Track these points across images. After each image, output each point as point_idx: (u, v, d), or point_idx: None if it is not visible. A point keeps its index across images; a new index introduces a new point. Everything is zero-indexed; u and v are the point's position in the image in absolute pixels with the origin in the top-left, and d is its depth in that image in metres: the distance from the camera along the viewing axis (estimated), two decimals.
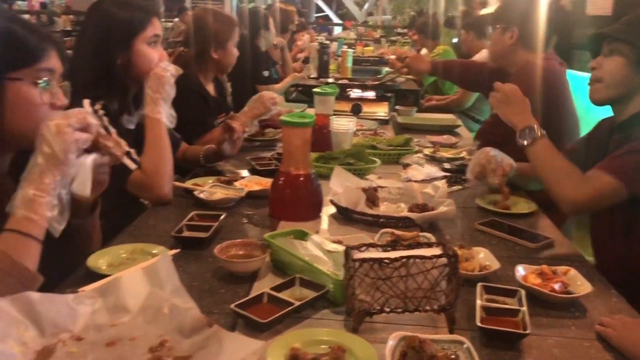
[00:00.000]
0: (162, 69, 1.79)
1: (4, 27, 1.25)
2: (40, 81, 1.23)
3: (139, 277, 1.12)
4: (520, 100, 1.81)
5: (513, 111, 1.81)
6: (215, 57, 2.60)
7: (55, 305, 1.02)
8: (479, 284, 1.22)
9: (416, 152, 2.49)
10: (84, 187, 1.18)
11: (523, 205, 1.85)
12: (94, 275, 1.26)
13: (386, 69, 5.40)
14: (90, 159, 1.20)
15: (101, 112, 1.80)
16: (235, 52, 2.67)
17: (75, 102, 1.35)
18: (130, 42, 1.85)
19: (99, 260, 1.33)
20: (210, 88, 2.73)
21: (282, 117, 1.67)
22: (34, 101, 1.24)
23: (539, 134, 1.71)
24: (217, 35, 2.60)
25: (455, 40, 5.40)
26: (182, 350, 0.98)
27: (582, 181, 1.59)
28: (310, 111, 2.60)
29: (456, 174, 2.18)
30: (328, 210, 1.76)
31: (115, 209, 1.74)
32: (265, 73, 4.19)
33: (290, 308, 1.13)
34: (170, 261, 1.14)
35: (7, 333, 0.93)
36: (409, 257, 1.07)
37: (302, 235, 1.40)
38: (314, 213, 1.72)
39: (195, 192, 1.81)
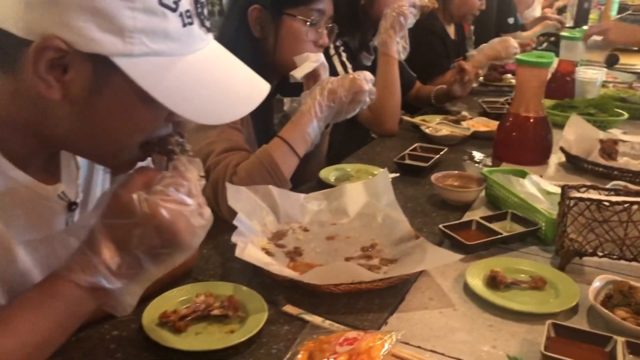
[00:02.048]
0: (401, 2, 1.82)
1: None
2: (309, 20, 1.41)
3: (359, 189, 1.25)
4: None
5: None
6: None
7: (290, 200, 1.21)
8: None
9: None
10: (300, 74, 1.35)
11: None
12: (324, 185, 1.43)
13: None
14: (321, 59, 1.36)
15: (341, 48, 1.96)
16: (476, 2, 2.61)
17: None
18: None
19: (329, 174, 1.51)
20: (451, 31, 2.73)
21: (518, 56, 1.64)
22: (301, 37, 1.43)
23: None
24: None
25: None
26: (389, 253, 1.09)
27: None
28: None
29: None
30: (556, 158, 1.69)
31: (347, 139, 1.92)
32: (510, 20, 3.99)
33: (497, 237, 1.15)
34: (388, 178, 1.25)
35: (253, 214, 1.13)
36: (632, 203, 1.01)
37: (521, 174, 1.38)
38: (539, 158, 1.67)
39: (422, 127, 1.88)
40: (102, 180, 0.87)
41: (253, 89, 0.73)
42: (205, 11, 0.69)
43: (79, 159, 0.82)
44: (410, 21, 1.83)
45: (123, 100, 0.66)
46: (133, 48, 0.61)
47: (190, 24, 0.65)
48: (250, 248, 0.99)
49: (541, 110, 1.65)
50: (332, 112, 1.31)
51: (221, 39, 0.74)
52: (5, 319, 0.64)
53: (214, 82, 0.69)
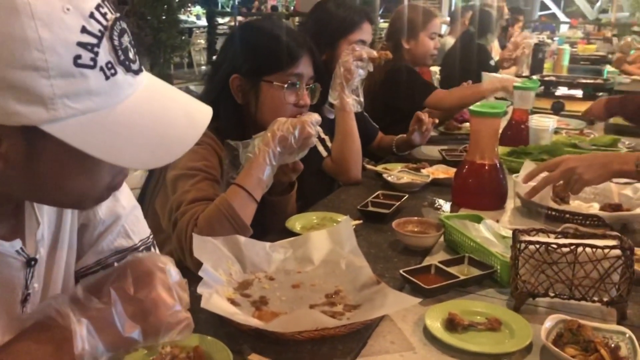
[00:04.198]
0: (346, 58, 1.87)
1: (272, 34, 1.50)
2: (286, 85, 1.47)
3: (323, 236, 1.30)
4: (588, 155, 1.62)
5: (600, 162, 1.51)
6: (407, 47, 2.69)
7: (256, 249, 1.24)
8: None
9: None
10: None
11: None
12: (289, 233, 1.47)
13: (608, 68, 4.97)
14: None
15: None
16: (429, 43, 2.72)
17: None
18: (337, 42, 2.05)
19: (295, 222, 1.55)
20: None
21: (472, 107, 1.73)
22: (280, 101, 1.49)
23: None
24: (410, 25, 2.69)
25: None
26: (353, 300, 1.13)
27: None
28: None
29: None
30: (512, 203, 1.76)
31: (314, 189, 1.96)
32: (492, 62, 4.18)
33: (455, 280, 1.20)
34: (350, 226, 1.30)
35: (219, 264, 1.16)
36: (577, 245, 1.07)
37: (478, 220, 1.44)
38: (496, 203, 1.74)
39: (384, 175, 1.95)
40: (69, 237, 0.88)
41: (193, 121, 0.73)
42: (131, 54, 0.68)
43: (40, 214, 0.81)
44: (361, 73, 1.87)
45: (64, 160, 0.66)
46: (57, 113, 0.61)
47: (114, 74, 0.65)
48: (216, 298, 1.02)
49: (495, 157, 1.73)
50: (283, 156, 1.38)
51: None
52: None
53: (148, 126, 0.68)
